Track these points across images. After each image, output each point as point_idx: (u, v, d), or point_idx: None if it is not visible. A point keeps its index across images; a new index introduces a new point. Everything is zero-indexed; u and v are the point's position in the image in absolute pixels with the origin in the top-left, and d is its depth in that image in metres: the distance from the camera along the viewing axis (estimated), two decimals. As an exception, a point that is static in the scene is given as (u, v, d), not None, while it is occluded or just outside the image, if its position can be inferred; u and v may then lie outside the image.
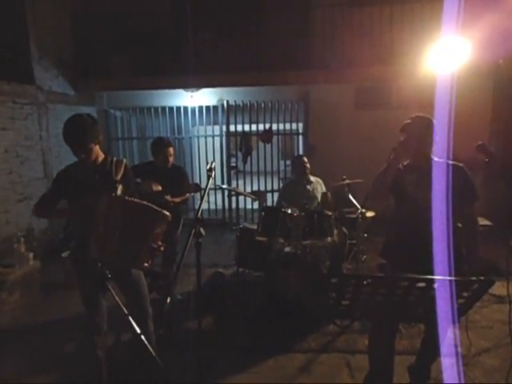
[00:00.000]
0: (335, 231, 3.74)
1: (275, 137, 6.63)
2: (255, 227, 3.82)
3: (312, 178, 4.23)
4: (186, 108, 6.75)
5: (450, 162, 2.23)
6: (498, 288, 2.41)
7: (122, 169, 2.28)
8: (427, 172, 2.20)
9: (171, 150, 3.57)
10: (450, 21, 4.54)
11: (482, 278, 1.22)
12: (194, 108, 6.74)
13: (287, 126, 6.67)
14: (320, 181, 4.30)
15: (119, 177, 2.23)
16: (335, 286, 1.39)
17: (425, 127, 2.24)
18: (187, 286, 3.99)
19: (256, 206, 5.91)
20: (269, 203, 5.61)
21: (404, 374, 2.53)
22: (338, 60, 5.83)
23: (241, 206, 6.93)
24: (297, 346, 3.03)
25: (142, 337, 1.97)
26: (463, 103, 4.47)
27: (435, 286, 1.24)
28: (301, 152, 7.05)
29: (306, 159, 4.21)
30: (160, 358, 2.16)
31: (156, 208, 1.98)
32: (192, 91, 6.57)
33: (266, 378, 2.66)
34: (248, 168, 6.76)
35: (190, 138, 6.94)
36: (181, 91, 6.59)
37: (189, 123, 6.83)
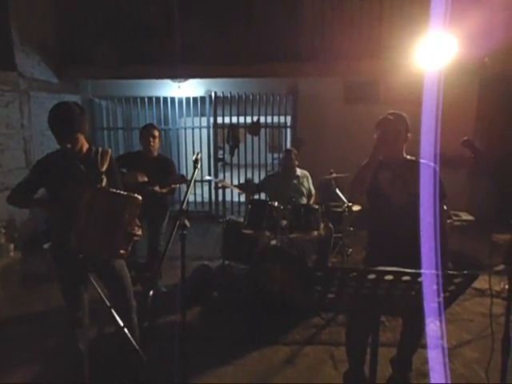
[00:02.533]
0: (321, 225, 3.75)
1: (263, 129, 6.60)
2: (242, 220, 3.80)
3: (299, 172, 4.22)
4: (172, 99, 6.66)
5: (423, 161, 2.24)
6: (479, 282, 2.45)
7: (108, 160, 2.22)
8: (401, 170, 2.22)
9: (157, 132, 3.55)
10: (438, 17, 4.56)
11: (466, 272, 1.23)
12: (181, 99, 6.66)
13: (275, 118, 6.64)
14: (307, 174, 4.30)
15: (104, 168, 2.18)
16: (320, 279, 1.39)
17: (398, 124, 2.23)
18: (172, 278, 3.95)
19: (243, 198, 5.90)
20: (256, 196, 5.59)
21: (387, 366, 2.57)
22: (326, 52, 5.81)
23: (227, 198, 6.90)
24: (282, 338, 3.04)
25: (125, 330, 1.95)
26: (449, 100, 4.50)
27: (419, 280, 1.24)
28: (288, 145, 7.04)
29: (293, 155, 4.17)
30: (144, 351, 2.15)
31: (122, 193, 1.97)
32: (179, 82, 6.47)
33: (250, 370, 2.67)
34: (236, 160, 6.73)
35: (177, 129, 6.86)
36: (168, 81, 6.49)
37: (176, 114, 6.75)
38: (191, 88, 6.63)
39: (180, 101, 6.66)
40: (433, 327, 2.96)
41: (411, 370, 2.48)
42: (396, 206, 2.19)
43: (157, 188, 3.30)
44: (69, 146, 2.09)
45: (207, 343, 2.98)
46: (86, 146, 2.20)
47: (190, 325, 3.24)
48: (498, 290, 3.89)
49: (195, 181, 6.78)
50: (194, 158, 1.78)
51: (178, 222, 1.52)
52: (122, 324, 1.92)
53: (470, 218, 5.11)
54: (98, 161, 2.18)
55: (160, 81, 6.47)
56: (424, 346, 2.68)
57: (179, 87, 6.54)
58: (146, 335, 2.83)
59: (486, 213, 4.98)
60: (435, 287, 1.34)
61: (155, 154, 3.57)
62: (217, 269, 4.15)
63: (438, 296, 1.37)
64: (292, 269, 3.42)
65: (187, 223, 1.55)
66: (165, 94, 6.66)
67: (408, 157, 2.31)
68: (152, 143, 3.51)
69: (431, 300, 1.43)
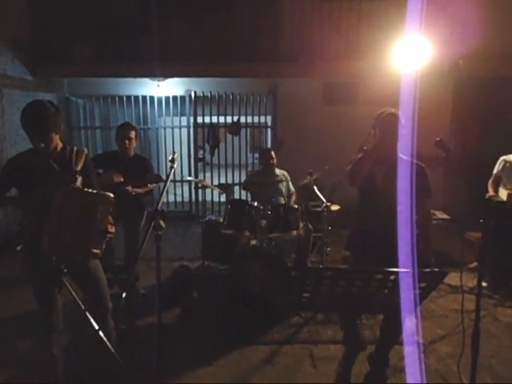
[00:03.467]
0: (301, 225, 3.78)
1: (243, 129, 6.60)
2: (221, 220, 3.79)
3: (278, 172, 4.24)
4: (152, 98, 6.58)
5: (414, 161, 2.36)
6: (454, 278, 2.52)
7: (83, 159, 2.18)
8: (395, 167, 2.31)
9: (133, 133, 3.48)
10: (414, 20, 4.66)
11: (437, 269, 1.27)
12: (161, 98, 6.58)
13: (256, 118, 6.64)
14: (286, 173, 4.32)
15: (79, 168, 2.13)
16: (298, 278, 1.40)
17: (395, 122, 2.35)
18: (151, 280, 3.90)
19: (223, 198, 5.88)
20: (236, 196, 5.59)
21: (364, 363, 2.61)
22: (306, 53, 5.85)
23: (208, 198, 6.86)
24: (261, 338, 3.05)
25: (101, 333, 1.92)
26: (425, 101, 4.59)
27: (392, 277, 1.26)
28: (269, 145, 7.06)
29: (273, 153, 4.21)
30: (121, 353, 2.11)
31: (93, 191, 1.94)
32: (158, 80, 6.39)
33: (230, 370, 2.66)
34: (216, 160, 6.70)
35: (157, 128, 6.78)
36: (147, 80, 6.41)
37: (155, 113, 6.67)
38: (171, 87, 6.57)
39: (159, 100, 6.59)
40: (409, 324, 3.02)
41: (388, 366, 2.52)
42: (387, 200, 2.28)
43: (129, 188, 3.24)
44: (42, 145, 2.04)
45: (186, 344, 2.96)
46: (60, 146, 2.15)
47: (170, 326, 3.21)
48: (471, 286, 3.99)
49: (175, 181, 6.70)
50: (170, 158, 1.76)
51: (152, 223, 1.50)
52: (97, 327, 1.88)
53: (446, 216, 5.25)
54: (72, 160, 2.13)
55: (139, 79, 6.38)
56: (400, 343, 2.73)
57: (158, 86, 6.47)
58: (124, 338, 2.79)
59: (461, 212, 5.12)
60: (409, 284, 1.37)
61: (132, 154, 3.52)
62: (196, 269, 4.13)
63: (411, 293, 1.40)
64: (272, 268, 3.44)
65: (162, 224, 1.53)
66: (144, 93, 6.57)
67: (403, 156, 2.41)
68: (127, 145, 3.44)
69: (405, 297, 1.46)
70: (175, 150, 1.93)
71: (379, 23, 5.90)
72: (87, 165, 2.20)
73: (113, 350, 1.91)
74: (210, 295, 3.66)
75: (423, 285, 1.34)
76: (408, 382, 2.44)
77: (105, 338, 1.89)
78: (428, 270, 1.25)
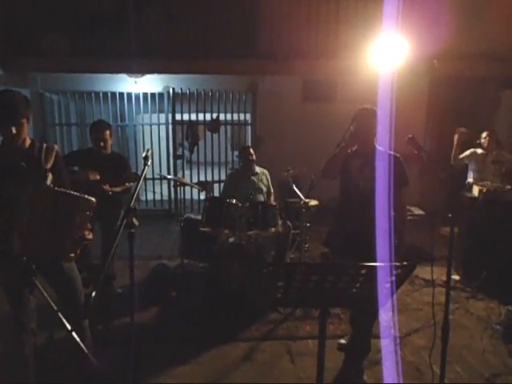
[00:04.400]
0: (279, 222, 3.79)
1: (223, 127, 6.57)
2: (200, 218, 3.77)
3: (258, 169, 4.25)
4: (129, 94, 6.47)
5: (390, 152, 2.43)
6: (428, 272, 2.59)
7: (53, 156, 2.11)
8: (371, 159, 2.39)
9: (108, 133, 3.39)
10: (390, 20, 4.74)
11: (405, 263, 1.29)
12: (139, 94, 6.48)
13: (235, 116, 6.63)
14: (265, 171, 4.33)
15: (49, 165, 2.07)
16: (273, 274, 1.40)
17: (371, 118, 2.45)
18: (128, 279, 3.84)
19: (203, 196, 5.85)
20: (216, 194, 5.57)
21: (341, 355, 2.66)
22: (285, 51, 5.87)
23: (187, 196, 6.80)
24: (240, 335, 3.05)
25: (74, 334, 1.88)
26: (402, 100, 4.69)
27: (364, 272, 1.29)
28: (249, 143, 7.05)
29: (252, 150, 4.22)
30: (97, 354, 2.08)
31: (76, 194, 1.88)
32: (136, 77, 6.29)
33: (207, 368, 2.66)
34: (197, 158, 6.67)
35: (134, 125, 6.68)
36: (124, 76, 6.29)
37: (133, 110, 6.56)
38: (149, 84, 6.47)
39: (137, 96, 6.48)
40: (384, 317, 3.09)
41: (364, 359, 2.57)
42: (363, 190, 2.39)
43: (107, 187, 3.18)
44: (14, 131, 1.95)
45: (164, 344, 2.94)
46: (28, 141, 2.08)
47: (147, 325, 3.18)
48: (444, 280, 4.12)
49: (154, 179, 6.60)
50: (143, 155, 1.74)
51: (125, 221, 1.47)
52: (69, 328, 1.84)
53: (421, 212, 5.38)
54: (41, 158, 2.07)
55: (116, 75, 6.25)
56: (376, 336, 2.79)
57: (136, 82, 6.37)
58: (100, 338, 2.75)
59: (436, 208, 5.25)
60: (381, 278, 1.40)
61: (108, 151, 3.45)
62: (175, 268, 4.10)
63: (383, 286, 1.43)
64: (250, 266, 3.44)
65: (135, 222, 1.51)
66: (121, 90, 6.45)
67: (379, 147, 2.49)
68: (102, 145, 3.36)
69: (378, 290, 1.49)
70: (149, 148, 1.89)
71: (357, 22, 5.98)
72: (58, 162, 2.13)
73: (86, 351, 1.87)
74: (189, 293, 3.64)
75: (393, 278, 1.36)
76: (384, 374, 2.49)
77: (78, 339, 1.85)
78: (397, 263, 1.28)
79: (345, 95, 6.40)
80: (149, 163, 1.74)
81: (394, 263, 1.27)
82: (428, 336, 3.00)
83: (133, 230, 1.51)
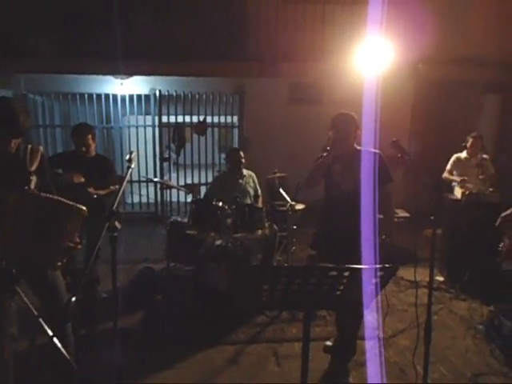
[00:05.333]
0: (266, 224, 3.80)
1: (210, 129, 6.56)
2: (186, 220, 3.75)
3: (245, 172, 4.24)
4: (115, 96, 6.41)
5: (368, 149, 2.46)
6: (413, 274, 2.62)
7: (38, 158, 2.08)
8: (351, 161, 2.42)
9: (90, 137, 3.33)
10: (375, 24, 4.81)
11: (388, 265, 1.31)
12: (125, 96, 6.43)
13: (222, 118, 6.62)
14: (253, 174, 4.33)
15: (34, 168, 2.04)
16: (258, 277, 1.41)
17: (349, 123, 2.47)
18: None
19: (190, 199, 5.82)
20: (203, 196, 5.55)
21: (327, 357, 2.67)
22: (272, 54, 5.90)
23: (174, 199, 6.77)
24: (226, 338, 3.04)
25: (56, 339, 1.84)
26: (387, 103, 4.76)
27: (347, 274, 1.29)
28: (236, 145, 7.05)
29: (241, 153, 4.19)
30: (81, 359, 2.04)
31: (69, 203, 1.84)
32: (122, 78, 6.24)
33: (193, 372, 2.64)
34: (186, 161, 6.64)
35: (120, 127, 6.62)
36: (110, 77, 6.23)
37: (118, 112, 6.50)
38: (135, 85, 6.43)
39: (123, 98, 6.43)
40: (370, 319, 3.11)
41: (349, 360, 2.59)
42: (345, 193, 2.42)
43: (91, 189, 3.14)
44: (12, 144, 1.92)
45: (149, 348, 2.90)
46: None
47: (132, 330, 3.15)
48: (428, 281, 4.17)
49: (140, 181, 6.52)
50: (127, 158, 1.72)
51: (107, 224, 1.45)
52: (50, 333, 1.81)
53: (406, 214, 5.45)
54: (26, 159, 2.03)
55: (101, 77, 6.19)
56: (362, 338, 2.81)
57: (122, 84, 6.31)
58: (84, 343, 2.70)
59: (420, 210, 5.32)
60: (364, 280, 1.41)
61: (93, 154, 3.41)
62: (161, 271, 4.06)
63: (366, 288, 1.44)
64: (237, 268, 3.43)
65: (118, 225, 1.49)
66: (106, 91, 6.39)
67: (357, 147, 2.52)
68: (85, 149, 3.31)
69: (361, 292, 1.50)
70: (134, 150, 1.87)
71: (343, 26, 6.04)
72: (43, 164, 2.10)
73: (68, 357, 1.84)
74: (175, 297, 3.61)
75: (376, 280, 1.38)
76: (368, 375, 2.51)
77: (59, 345, 1.82)
78: (379, 266, 1.29)
79: (331, 98, 6.45)
80: (132, 166, 1.72)
81: (377, 265, 1.28)
82: (412, 337, 3.02)
83: (115, 234, 1.49)
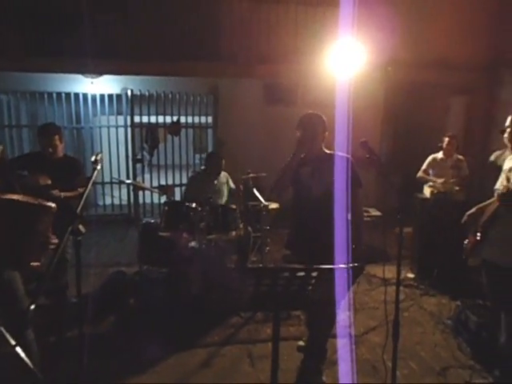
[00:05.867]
0: (240, 225, 3.79)
1: (184, 130, 6.49)
2: (159, 222, 3.69)
3: (221, 174, 4.20)
4: (85, 95, 6.24)
5: (339, 154, 2.44)
6: (386, 272, 2.66)
7: None
8: (320, 163, 2.41)
9: (57, 138, 3.20)
10: (347, 27, 4.89)
11: (355, 264, 1.32)
12: (95, 96, 6.27)
13: (196, 118, 6.56)
14: (227, 175, 4.31)
15: None
16: (229, 279, 1.40)
17: (316, 123, 2.45)
18: (85, 287, 3.68)
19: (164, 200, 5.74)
20: (178, 197, 5.49)
21: (301, 356, 2.68)
22: (246, 54, 5.90)
23: (148, 200, 6.66)
24: (200, 341, 3.01)
25: (18, 348, 1.77)
26: (359, 104, 4.85)
27: (314, 274, 1.30)
28: (210, 146, 7.01)
29: (223, 161, 4.11)
30: (48, 367, 1.97)
31: (34, 202, 1.77)
32: (92, 77, 6.08)
33: (164, 376, 2.59)
34: (159, 161, 6.54)
35: (91, 128, 6.45)
36: (79, 76, 6.06)
37: (89, 112, 6.33)
38: (106, 84, 6.28)
39: (93, 98, 6.27)
40: (342, 317, 3.15)
41: (322, 360, 2.61)
42: (315, 196, 2.39)
43: (56, 191, 3.03)
44: None
45: (120, 353, 2.84)
46: None
47: (103, 335, 3.07)
48: (400, 278, 4.27)
49: (112, 183, 6.35)
50: (93, 159, 1.67)
51: (70, 228, 1.41)
52: (13, 343, 1.73)
53: (378, 213, 5.56)
54: None
55: (71, 75, 6.01)
56: (334, 336, 2.84)
57: (92, 83, 6.15)
58: (52, 351, 2.62)
59: (390, 209, 5.45)
60: (332, 279, 1.42)
61: (60, 154, 3.29)
62: (134, 274, 3.98)
63: (335, 287, 1.45)
64: (211, 270, 3.41)
65: (82, 229, 1.44)
66: (76, 90, 6.21)
67: (327, 151, 2.50)
68: (51, 150, 3.19)
69: (331, 291, 1.52)
70: (113, 151, 1.83)
71: (316, 28, 6.11)
72: (3, 162, 2.02)
73: (31, 366, 1.76)
74: (148, 300, 3.54)
75: (345, 279, 1.39)
76: (340, 373, 2.54)
77: (22, 354, 1.75)
78: (345, 265, 1.31)
79: (305, 99, 6.52)
80: (98, 167, 1.68)
81: (343, 265, 1.29)
82: (384, 334, 3.07)
83: (79, 238, 1.44)
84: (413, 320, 3.42)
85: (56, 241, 1.92)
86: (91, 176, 1.63)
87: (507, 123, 2.22)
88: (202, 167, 4.30)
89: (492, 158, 3.80)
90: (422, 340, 3.11)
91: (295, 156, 2.39)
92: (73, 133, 6.42)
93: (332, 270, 1.34)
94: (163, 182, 6.47)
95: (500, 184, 2.31)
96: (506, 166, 2.35)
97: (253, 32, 5.90)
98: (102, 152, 1.81)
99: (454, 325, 3.21)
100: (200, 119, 6.59)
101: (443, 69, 6.02)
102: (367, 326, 3.28)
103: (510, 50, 5.71)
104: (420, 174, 4.85)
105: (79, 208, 1.47)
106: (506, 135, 2.24)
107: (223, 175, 4.24)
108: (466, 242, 2.52)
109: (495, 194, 2.34)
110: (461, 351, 2.94)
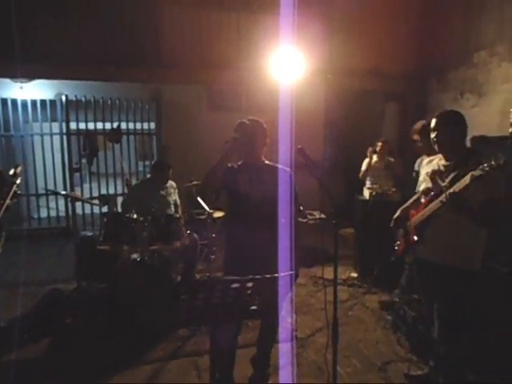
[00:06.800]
0: (186, 234, 3.70)
1: (126, 136, 6.25)
2: (98, 235, 3.51)
3: (168, 183, 4.07)
4: (14, 101, 5.81)
5: (280, 166, 2.42)
6: (330, 272, 2.72)
7: None
8: (259, 172, 2.37)
9: None
10: (287, 36, 5.01)
11: (286, 273, 1.33)
12: (26, 101, 5.86)
13: (138, 125, 6.36)
14: (174, 184, 4.17)
15: None
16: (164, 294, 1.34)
17: (256, 129, 2.39)
18: (14, 309, 3.41)
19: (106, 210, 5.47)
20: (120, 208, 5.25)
21: (248, 366, 2.66)
22: (188, 60, 5.82)
23: (88, 211, 6.32)
24: (144, 357, 2.89)
25: None
26: (302, 110, 4.96)
27: (250, 285, 1.29)
28: (155, 152, 6.83)
29: (170, 171, 3.98)
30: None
31: None
32: (22, 82, 5.67)
33: (106, 399, 2.45)
34: (100, 170, 6.22)
35: (22, 136, 6.01)
36: (7, 81, 5.62)
37: (19, 119, 5.90)
38: (38, 90, 5.89)
39: (24, 104, 5.85)
40: (288, 320, 3.18)
41: (269, 366, 2.61)
42: (253, 205, 2.32)
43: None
44: None
45: (56, 378, 2.64)
46: None
47: (36, 360, 2.84)
48: (344, 278, 4.43)
49: (47, 194, 5.95)
50: (11, 173, 1.54)
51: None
52: None
53: (322, 216, 5.72)
54: None
55: (-3, 80, 5.57)
56: (279, 341, 2.85)
57: (22, 88, 5.74)
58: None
59: (333, 211, 5.64)
60: (269, 288, 1.42)
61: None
62: (71, 292, 3.73)
63: (273, 295, 1.45)
64: (154, 283, 3.30)
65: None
66: (4, 95, 5.76)
67: (266, 162, 2.46)
68: None
69: (268, 301, 1.52)
70: (47, 160, 1.69)
71: (257, 35, 6.18)
72: None
73: None
74: (87, 319, 3.34)
75: (281, 286, 1.40)
76: (283, 377, 2.55)
77: None
78: (277, 275, 1.31)
79: (249, 105, 6.57)
80: (18, 181, 1.55)
81: (276, 274, 1.29)
82: (329, 334, 3.17)
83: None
84: (356, 318, 3.55)
85: None
86: (10, 190, 1.50)
87: (432, 125, 2.35)
88: (148, 175, 4.14)
89: (416, 167, 3.92)
90: (365, 337, 3.23)
91: (226, 154, 2.31)
92: (1, 141, 5.94)
93: (266, 279, 1.34)
94: (104, 191, 6.18)
95: (425, 186, 2.44)
96: (426, 170, 2.48)
97: (195, 38, 5.85)
98: (26, 163, 1.68)
99: (394, 320, 3.36)
100: (142, 125, 6.40)
101: (377, 77, 6.36)
102: (314, 328, 3.34)
103: (435, 61, 6.16)
104: (361, 175, 5.12)
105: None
106: (432, 136, 2.35)
107: (169, 184, 4.09)
108: (396, 244, 2.65)
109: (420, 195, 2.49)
110: (400, 345, 3.08)
